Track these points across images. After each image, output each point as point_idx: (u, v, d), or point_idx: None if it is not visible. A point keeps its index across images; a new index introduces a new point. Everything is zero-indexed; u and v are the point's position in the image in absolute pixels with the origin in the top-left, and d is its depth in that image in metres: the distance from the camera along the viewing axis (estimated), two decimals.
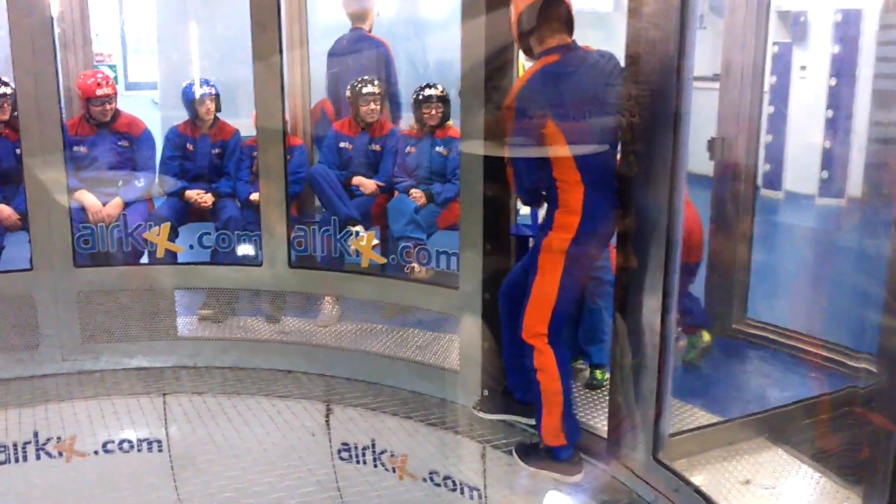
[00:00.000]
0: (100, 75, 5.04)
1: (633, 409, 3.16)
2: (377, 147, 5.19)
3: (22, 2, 4.03)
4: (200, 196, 5.01)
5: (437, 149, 5.01)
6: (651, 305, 3.03)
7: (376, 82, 5.15)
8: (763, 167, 7.51)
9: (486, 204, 3.70)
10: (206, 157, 5.17)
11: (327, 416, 4.09)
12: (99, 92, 4.90)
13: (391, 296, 4.28)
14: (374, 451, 3.97)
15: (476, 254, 3.77)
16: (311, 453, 4.10)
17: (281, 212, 4.35)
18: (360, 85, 5.11)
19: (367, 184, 5.10)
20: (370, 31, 5.59)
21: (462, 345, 3.96)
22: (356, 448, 4.01)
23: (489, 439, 3.66)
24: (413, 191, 4.93)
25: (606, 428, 3.34)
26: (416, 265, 4.24)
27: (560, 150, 3.09)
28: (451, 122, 5.02)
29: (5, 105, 4.85)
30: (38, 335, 4.33)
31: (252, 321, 4.67)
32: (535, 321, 3.22)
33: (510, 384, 3.65)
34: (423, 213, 4.84)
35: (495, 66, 3.55)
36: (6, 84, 4.85)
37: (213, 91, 5.14)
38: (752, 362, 4.31)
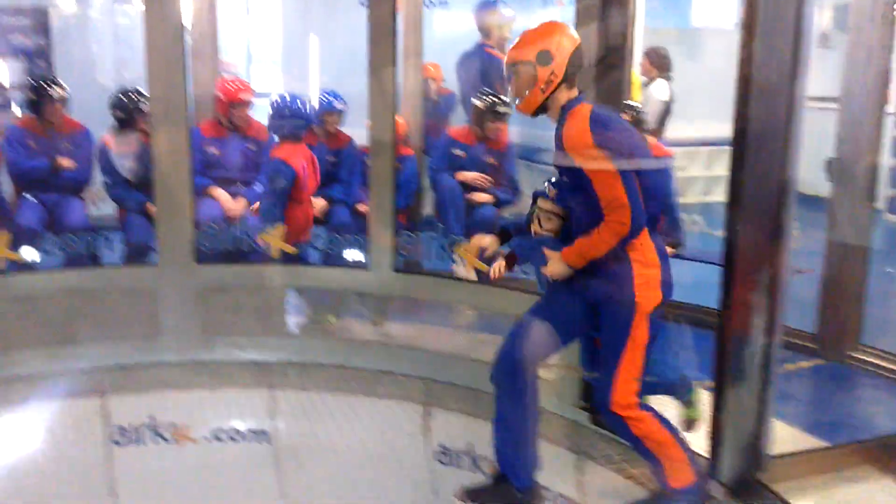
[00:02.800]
0: (241, 82, 5.37)
1: (733, 428, 3.10)
2: (493, 160, 5.28)
3: (157, 15, 4.28)
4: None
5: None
6: (756, 324, 2.98)
7: (507, 102, 5.26)
8: (886, 191, 7.21)
9: None
10: (322, 163, 5.38)
11: (426, 418, 4.16)
12: (242, 97, 5.22)
13: (492, 303, 4.33)
14: (470, 456, 4.02)
15: None
16: (408, 454, 4.19)
17: (388, 218, 4.47)
18: (495, 103, 5.23)
19: (484, 197, 5.24)
20: (497, 46, 5.70)
21: (559, 354, 3.96)
22: (453, 452, 4.07)
23: (586, 450, 3.65)
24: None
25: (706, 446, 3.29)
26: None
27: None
28: None
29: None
30: (159, 326, 4.55)
31: (357, 322, 4.81)
32: (627, 392, 2.97)
33: (504, 468, 3.18)
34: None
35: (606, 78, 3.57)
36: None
37: (343, 107, 5.37)
38: (864, 389, 4.16)
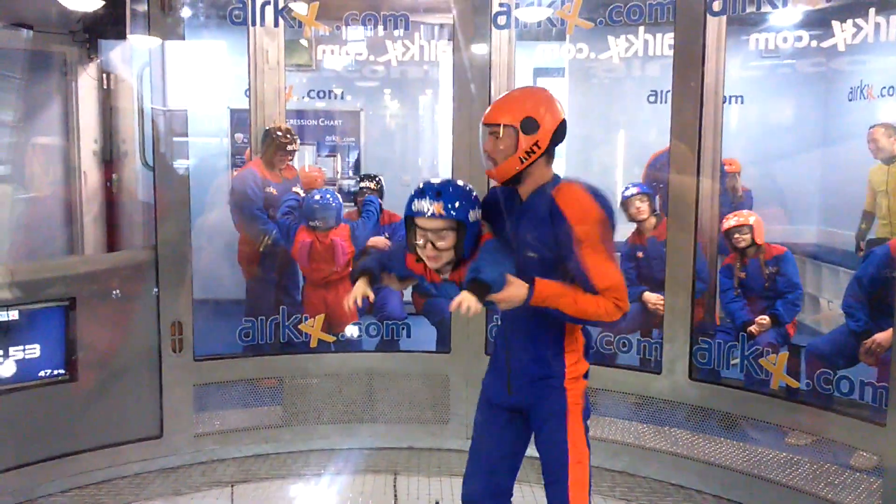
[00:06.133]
0: None
1: None
2: None
3: (464, 116, 4.56)
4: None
5: None
6: None
7: None
8: None
9: None
10: None
11: None
12: None
13: (802, 423, 3.96)
14: None
15: None
16: None
17: (685, 321, 4.29)
18: None
19: None
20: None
21: (886, 487, 3.51)
22: None
23: None
24: None
25: None
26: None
27: None
28: None
29: None
30: (448, 412, 4.69)
31: (646, 428, 4.60)
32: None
33: None
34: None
35: None
36: None
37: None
38: None
